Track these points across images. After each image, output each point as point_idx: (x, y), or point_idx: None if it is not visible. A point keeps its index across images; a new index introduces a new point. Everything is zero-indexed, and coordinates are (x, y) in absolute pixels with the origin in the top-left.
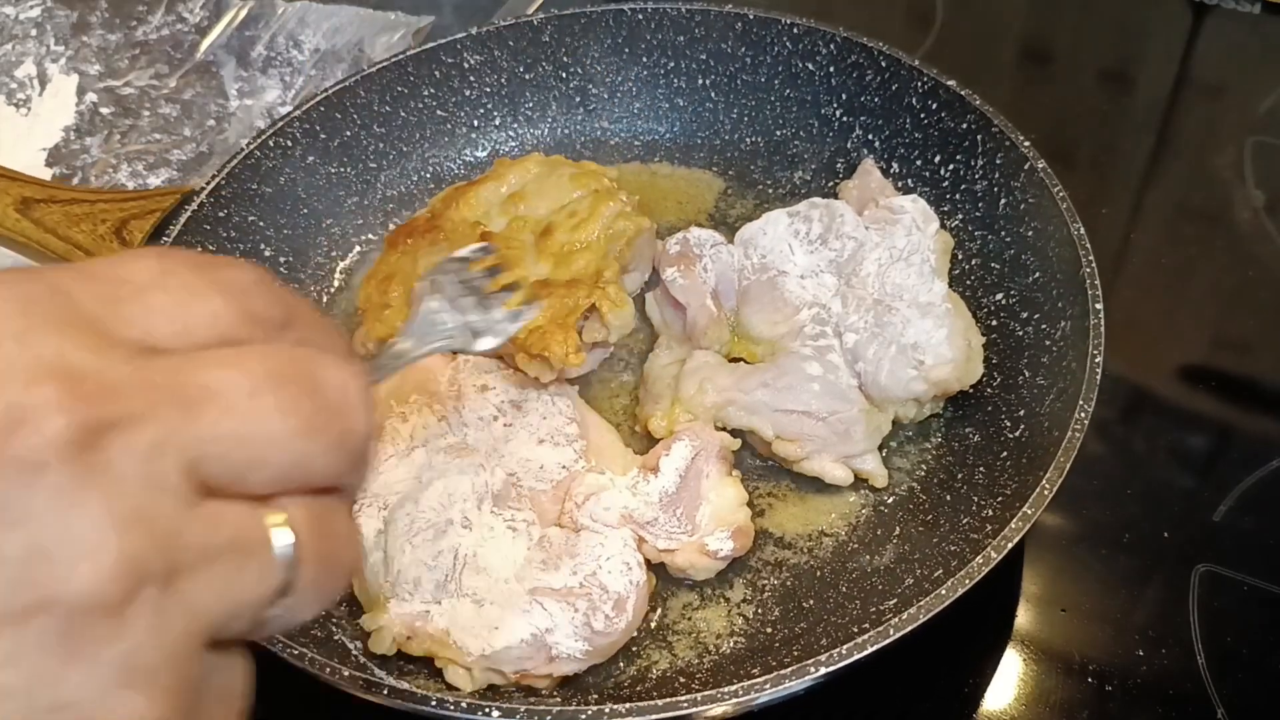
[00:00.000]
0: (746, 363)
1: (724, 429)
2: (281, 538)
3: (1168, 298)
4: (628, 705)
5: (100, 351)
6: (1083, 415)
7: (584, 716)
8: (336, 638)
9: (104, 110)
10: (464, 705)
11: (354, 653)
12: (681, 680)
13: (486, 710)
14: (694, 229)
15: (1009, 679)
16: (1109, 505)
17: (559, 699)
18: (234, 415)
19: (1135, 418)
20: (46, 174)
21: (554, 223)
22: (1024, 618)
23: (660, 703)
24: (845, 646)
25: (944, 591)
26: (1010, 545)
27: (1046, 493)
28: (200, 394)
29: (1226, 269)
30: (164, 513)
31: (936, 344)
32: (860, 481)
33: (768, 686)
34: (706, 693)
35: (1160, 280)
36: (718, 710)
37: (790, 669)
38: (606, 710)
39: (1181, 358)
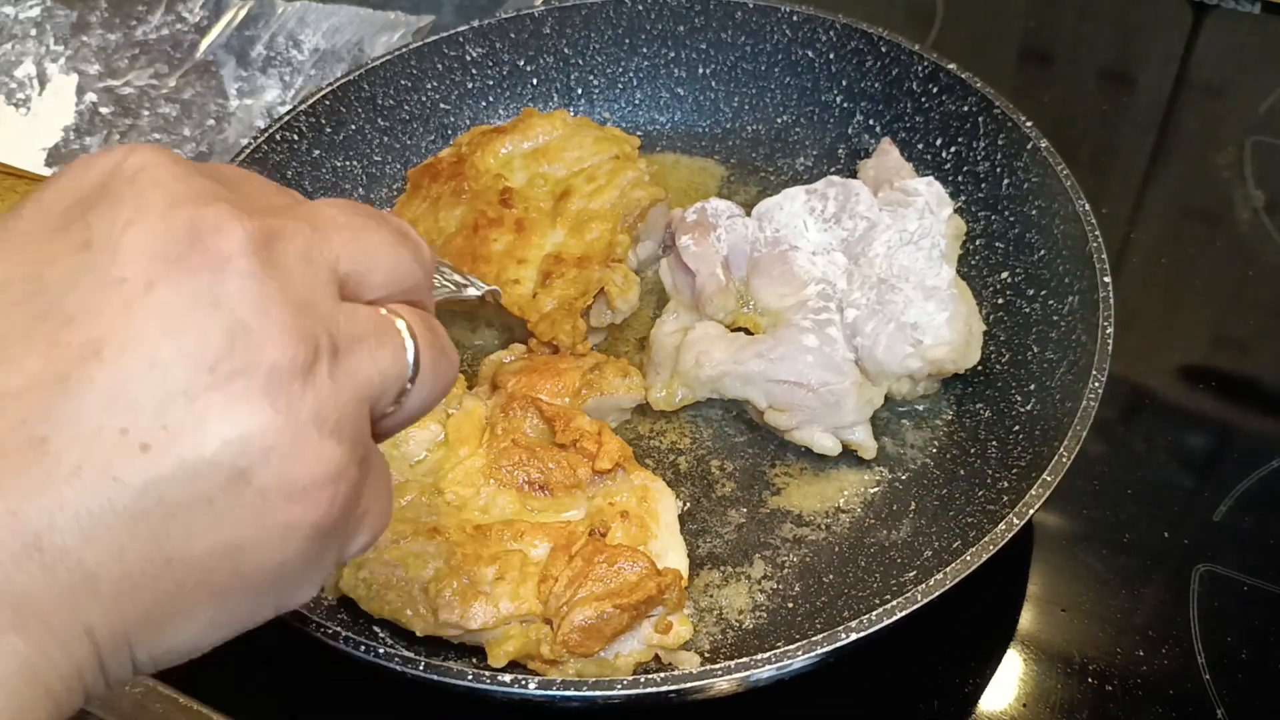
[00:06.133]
0: (749, 333)
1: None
2: (402, 326)
3: (1168, 297)
4: (661, 675)
5: (246, 197)
6: (1096, 385)
7: (620, 685)
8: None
9: (104, 110)
10: (503, 679)
11: (380, 634)
12: (706, 655)
13: (523, 682)
14: (713, 199)
15: (1009, 679)
16: (1109, 505)
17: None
18: (351, 231)
19: (1135, 418)
20: (47, 174)
21: (572, 186)
22: (1024, 618)
23: (694, 670)
24: (874, 614)
25: (969, 557)
26: (1031, 512)
27: (1064, 461)
28: (326, 221)
29: (1226, 269)
30: (323, 302)
31: (937, 326)
32: (875, 459)
33: (800, 654)
34: (740, 660)
35: (1160, 280)
36: (739, 679)
37: (822, 635)
38: (642, 680)
39: (1181, 357)
